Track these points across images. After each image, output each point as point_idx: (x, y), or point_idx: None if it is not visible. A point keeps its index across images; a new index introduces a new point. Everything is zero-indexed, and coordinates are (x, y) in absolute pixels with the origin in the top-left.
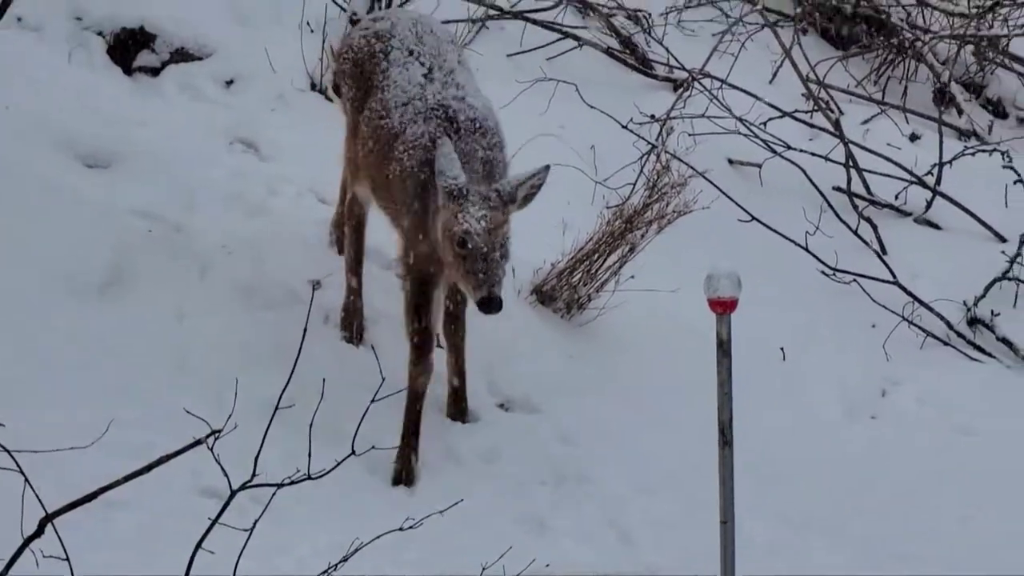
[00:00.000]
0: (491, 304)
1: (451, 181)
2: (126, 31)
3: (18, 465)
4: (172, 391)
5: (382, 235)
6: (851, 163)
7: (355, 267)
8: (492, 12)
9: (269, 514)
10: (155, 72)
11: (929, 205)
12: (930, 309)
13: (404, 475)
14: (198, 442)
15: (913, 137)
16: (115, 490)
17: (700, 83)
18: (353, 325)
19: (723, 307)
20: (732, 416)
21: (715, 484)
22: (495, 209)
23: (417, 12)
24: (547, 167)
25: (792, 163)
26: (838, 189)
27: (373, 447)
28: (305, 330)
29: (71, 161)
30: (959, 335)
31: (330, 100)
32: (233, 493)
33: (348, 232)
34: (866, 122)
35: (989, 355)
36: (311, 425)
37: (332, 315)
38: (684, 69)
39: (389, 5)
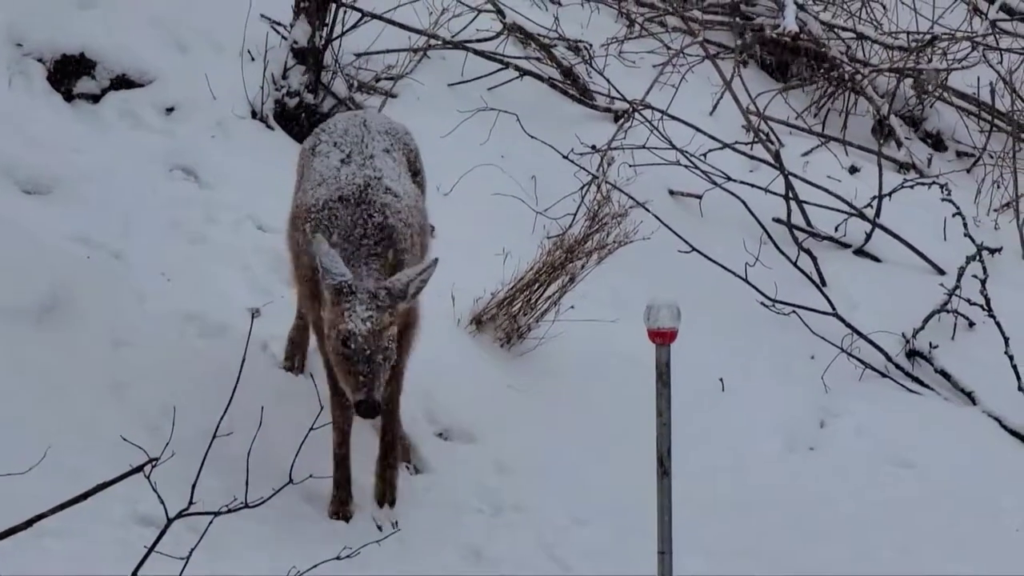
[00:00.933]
0: (369, 409)
1: (338, 279)
2: (66, 57)
3: None
4: (109, 419)
5: None
6: (791, 195)
7: None
8: (433, 42)
9: (206, 543)
10: (95, 99)
11: (868, 237)
12: (869, 341)
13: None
14: (135, 470)
15: (853, 169)
16: (50, 518)
17: (641, 114)
18: (295, 356)
19: (662, 338)
20: (671, 446)
21: (653, 514)
22: (382, 309)
23: (362, 110)
24: (435, 260)
25: (732, 194)
26: (778, 220)
27: (311, 475)
28: (244, 359)
29: (9, 187)
30: (898, 367)
31: (271, 128)
32: (170, 521)
33: None
34: (806, 154)
35: (928, 387)
36: (249, 454)
37: (271, 343)
38: (625, 100)
39: (330, 28)
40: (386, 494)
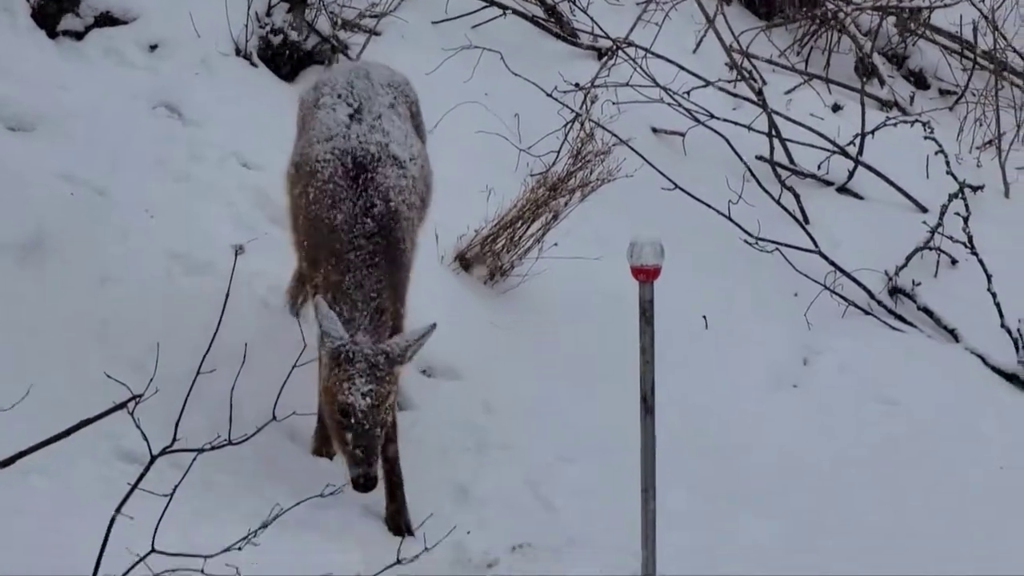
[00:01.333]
0: (367, 485)
1: (338, 343)
2: None
3: None
4: (93, 356)
5: None
6: (774, 133)
7: None
8: None
9: (189, 480)
10: (79, 36)
11: (851, 175)
12: (852, 278)
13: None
14: (119, 407)
15: (835, 108)
16: (34, 455)
17: (624, 52)
18: (298, 299)
19: (646, 275)
20: (654, 384)
21: (637, 452)
22: (382, 381)
23: (362, 62)
24: (434, 325)
25: (715, 132)
26: (761, 158)
27: (294, 413)
28: (227, 296)
29: None
30: (880, 304)
31: (255, 66)
32: (153, 458)
33: None
34: (789, 92)
35: (910, 324)
36: (232, 391)
37: (255, 281)
38: (608, 38)
39: None
40: (401, 527)
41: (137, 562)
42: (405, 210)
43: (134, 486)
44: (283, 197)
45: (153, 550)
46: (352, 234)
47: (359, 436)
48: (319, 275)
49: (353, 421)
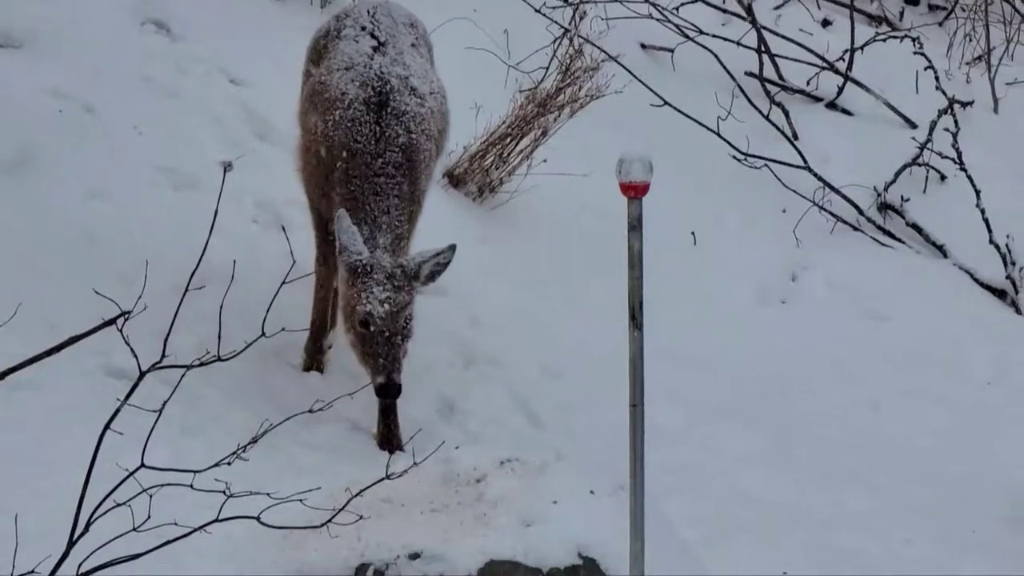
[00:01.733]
0: (389, 390)
1: (355, 257)
2: None
3: None
4: (82, 272)
5: None
6: (763, 48)
7: None
8: None
9: (179, 396)
10: None
11: (840, 91)
12: (841, 194)
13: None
14: (107, 323)
15: (825, 23)
16: (23, 371)
17: None
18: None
19: (634, 191)
20: (643, 300)
21: (625, 367)
22: (399, 289)
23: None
24: (453, 247)
25: (704, 48)
26: (750, 74)
27: (283, 329)
28: (216, 212)
29: None
30: (869, 220)
31: None
32: (142, 374)
33: None
34: (778, 7)
35: (899, 240)
36: (221, 307)
37: (244, 198)
38: None
39: None
40: (392, 446)
41: (126, 477)
42: (424, 141)
43: (123, 402)
44: (295, 131)
45: (143, 465)
46: (382, 160)
47: (380, 344)
48: (340, 193)
49: (373, 329)
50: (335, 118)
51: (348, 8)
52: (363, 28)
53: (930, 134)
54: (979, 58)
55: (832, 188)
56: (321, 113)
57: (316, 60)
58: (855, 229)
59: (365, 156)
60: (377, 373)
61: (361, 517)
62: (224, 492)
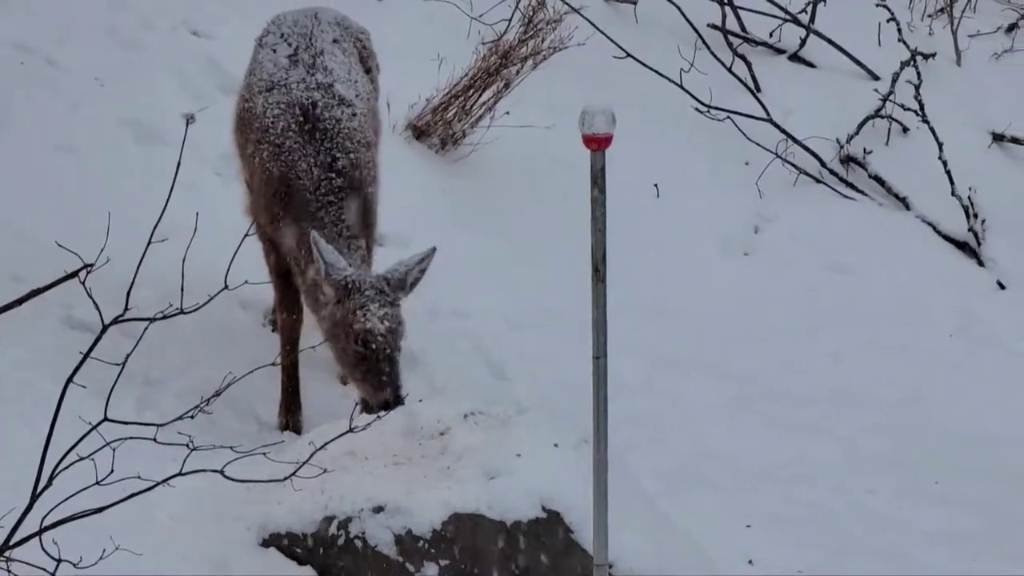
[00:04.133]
0: (398, 403)
1: (343, 274)
2: None
3: None
4: (43, 225)
5: None
6: (726, 0)
7: None
8: None
9: (142, 349)
10: None
11: (803, 43)
12: (803, 147)
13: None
14: (70, 276)
15: None
16: None
17: None
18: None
19: (597, 143)
20: (606, 252)
21: (587, 320)
22: (394, 304)
23: (316, 6)
24: (433, 249)
25: (667, 0)
26: (713, 26)
27: (246, 282)
28: (179, 165)
29: None
30: (832, 172)
31: None
32: (105, 327)
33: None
34: None
35: (862, 192)
36: (184, 260)
37: (207, 151)
38: None
39: None
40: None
41: (89, 431)
42: (363, 152)
43: (86, 355)
44: (231, 149)
45: (106, 418)
46: (325, 185)
47: (382, 361)
48: (294, 227)
49: (374, 347)
50: (269, 150)
51: (276, 16)
52: (282, 36)
53: (892, 86)
54: (941, 10)
55: (795, 140)
56: (254, 143)
57: (247, 73)
58: (818, 181)
59: (308, 186)
60: (378, 390)
61: (325, 470)
62: (188, 445)
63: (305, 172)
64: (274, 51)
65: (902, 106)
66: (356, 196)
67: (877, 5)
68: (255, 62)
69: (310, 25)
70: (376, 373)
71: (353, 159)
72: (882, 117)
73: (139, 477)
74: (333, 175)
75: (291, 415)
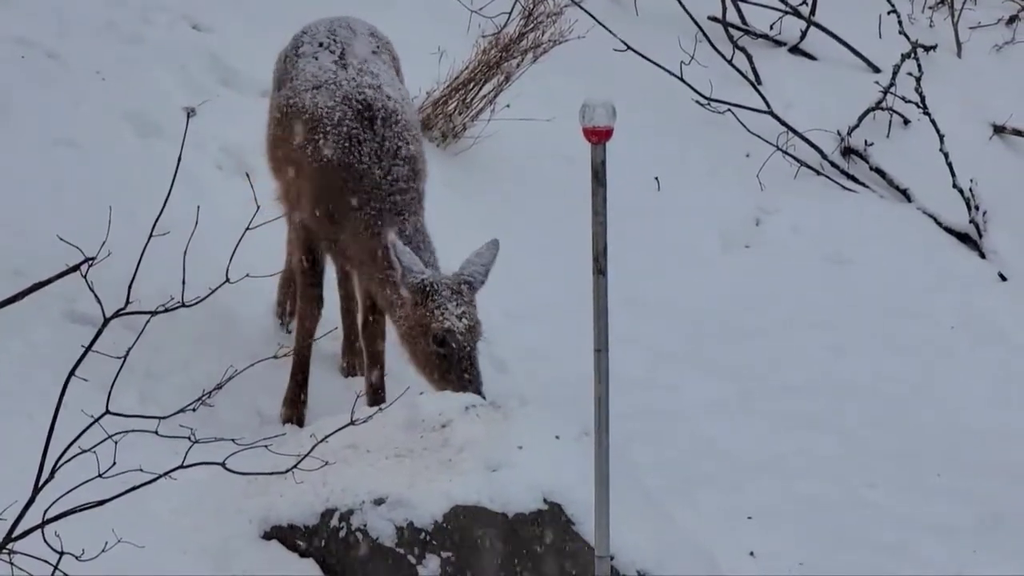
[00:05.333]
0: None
1: (420, 277)
2: None
3: None
4: (45, 219)
5: None
6: None
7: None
8: None
9: (143, 342)
10: None
11: (804, 35)
12: (804, 139)
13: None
14: (72, 269)
15: None
16: None
17: None
18: (287, 303)
19: (598, 136)
20: (607, 245)
21: (588, 313)
22: (471, 304)
23: (342, 16)
24: (496, 241)
25: None
26: (713, 19)
27: (247, 275)
28: (180, 158)
29: None
30: (833, 165)
31: None
32: (107, 320)
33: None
34: None
35: (863, 185)
36: (185, 253)
37: (207, 143)
38: None
39: None
40: (377, 395)
41: (91, 424)
42: (420, 145)
43: (87, 348)
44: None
45: (107, 411)
46: (391, 176)
47: (462, 359)
48: (356, 219)
49: (454, 346)
50: (324, 138)
51: (306, 26)
52: (321, 44)
53: (893, 78)
54: (942, 2)
55: (796, 133)
56: (305, 134)
57: (278, 85)
58: (819, 174)
59: (377, 172)
60: (460, 390)
61: (326, 463)
62: (189, 438)
63: (370, 157)
64: (316, 58)
65: (903, 98)
66: (418, 187)
67: None
68: (295, 70)
69: (349, 35)
70: (458, 373)
71: (414, 150)
72: (883, 109)
73: (141, 470)
74: (400, 163)
75: (296, 408)
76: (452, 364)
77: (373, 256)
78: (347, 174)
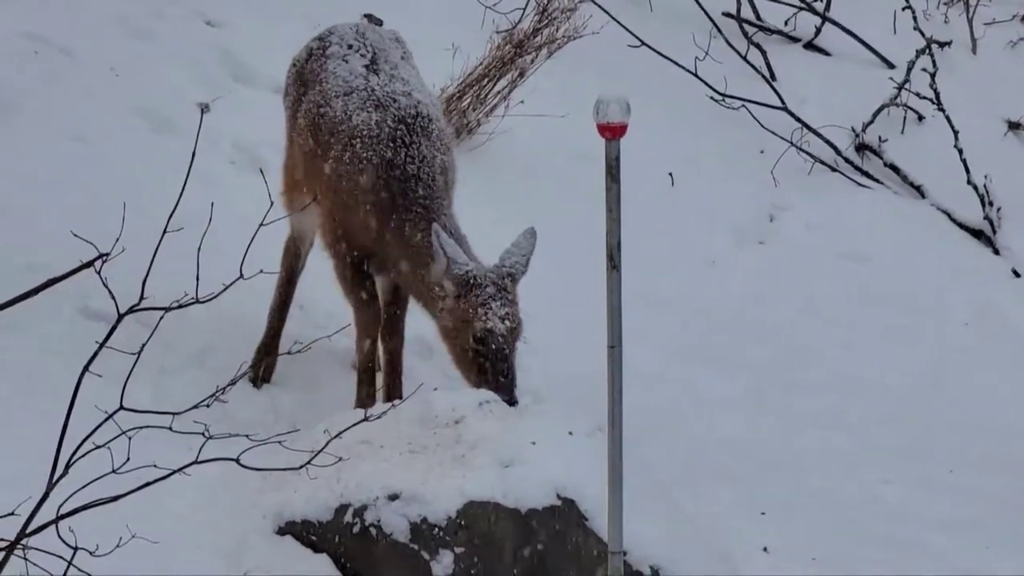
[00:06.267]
0: (512, 405)
1: (465, 269)
2: None
3: None
4: (59, 213)
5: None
6: None
7: (277, 312)
8: None
9: (157, 338)
10: None
11: (818, 31)
12: (818, 135)
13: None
14: (85, 265)
15: None
16: (1, 313)
17: None
18: (262, 365)
19: (612, 132)
20: (620, 241)
21: (601, 309)
22: (513, 302)
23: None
24: (533, 229)
25: None
26: (728, 15)
27: (261, 271)
28: (193, 154)
29: None
30: (847, 161)
31: None
32: (120, 316)
33: (279, 276)
34: None
35: (877, 181)
36: (199, 249)
37: (221, 140)
38: None
39: None
40: (396, 393)
41: (105, 419)
42: (451, 159)
43: (101, 344)
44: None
45: (121, 407)
46: (435, 182)
47: (500, 361)
48: (398, 220)
49: (494, 347)
50: (362, 142)
51: (331, 27)
52: (350, 46)
53: (908, 74)
54: None
55: (810, 129)
56: (342, 143)
57: (302, 87)
58: (833, 170)
59: (424, 177)
60: (496, 392)
61: (340, 459)
62: (203, 434)
63: (411, 161)
64: (345, 60)
65: (917, 94)
66: (448, 195)
67: None
68: (324, 71)
69: (376, 38)
70: (493, 373)
71: (447, 160)
72: (897, 105)
73: (155, 466)
74: (436, 170)
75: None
76: (489, 364)
77: (415, 255)
78: (388, 172)
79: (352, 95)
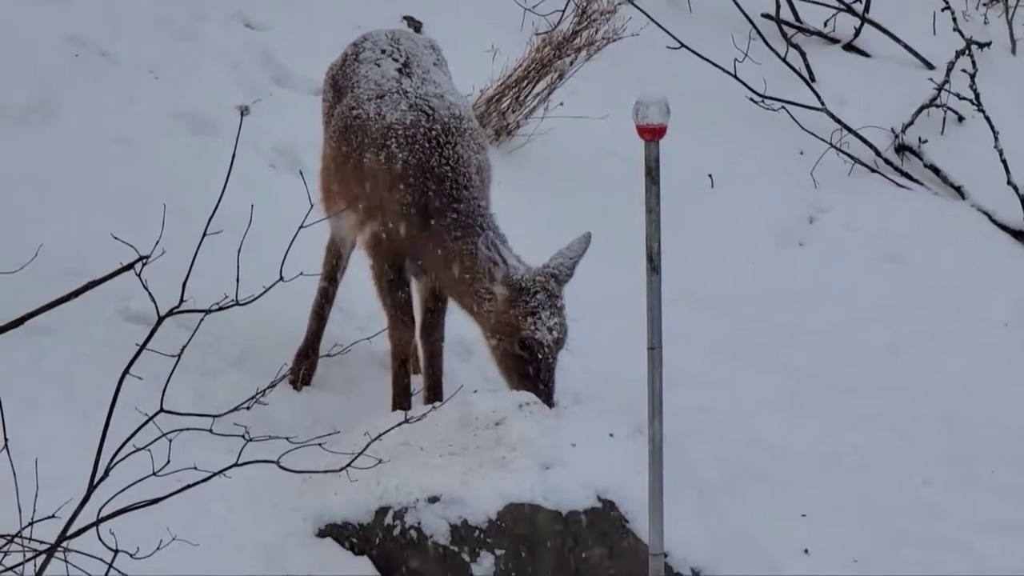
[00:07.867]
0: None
1: (515, 273)
2: None
3: None
4: (100, 217)
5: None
6: None
7: (317, 314)
8: None
9: (197, 340)
10: None
11: (858, 32)
12: (858, 136)
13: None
14: (126, 268)
15: None
16: (42, 316)
17: None
18: (302, 367)
19: (652, 134)
20: (660, 242)
21: (641, 311)
22: (561, 311)
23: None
24: (589, 235)
25: None
26: (767, 16)
27: (301, 273)
28: (233, 157)
29: None
30: (887, 162)
31: None
32: (161, 319)
33: (320, 278)
34: None
35: (917, 182)
36: (239, 251)
37: (260, 142)
38: None
39: None
40: (437, 394)
41: (146, 422)
42: (485, 154)
43: (142, 347)
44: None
45: (162, 409)
46: (471, 182)
47: (542, 369)
48: (439, 224)
49: (539, 356)
50: (397, 143)
51: (366, 33)
52: (383, 51)
53: (947, 75)
54: None
55: (849, 130)
56: (376, 145)
57: (337, 93)
58: (873, 171)
59: (446, 181)
60: (535, 395)
61: (380, 461)
62: (244, 436)
63: (446, 162)
64: (378, 65)
65: (957, 95)
66: (485, 195)
67: None
68: (356, 76)
69: (410, 45)
70: (534, 380)
71: (482, 159)
72: (937, 106)
73: (195, 468)
74: (472, 170)
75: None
76: (531, 370)
77: (457, 259)
78: (423, 173)
79: (385, 97)
